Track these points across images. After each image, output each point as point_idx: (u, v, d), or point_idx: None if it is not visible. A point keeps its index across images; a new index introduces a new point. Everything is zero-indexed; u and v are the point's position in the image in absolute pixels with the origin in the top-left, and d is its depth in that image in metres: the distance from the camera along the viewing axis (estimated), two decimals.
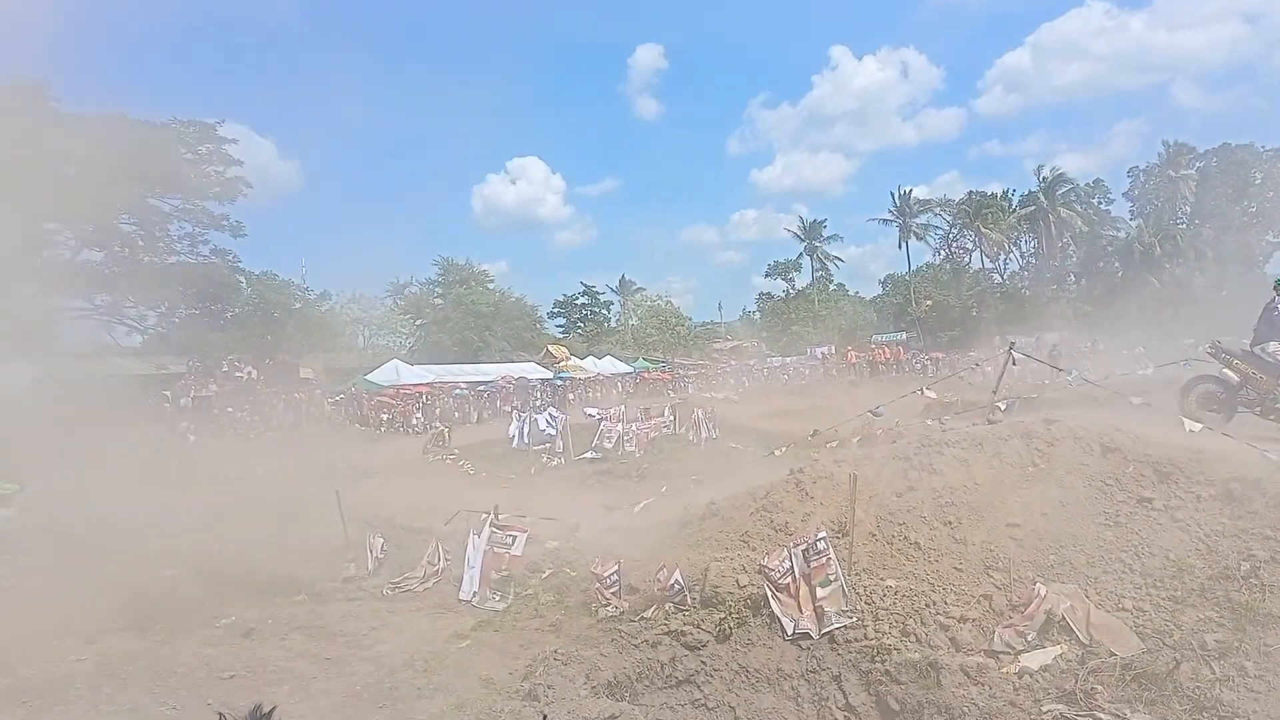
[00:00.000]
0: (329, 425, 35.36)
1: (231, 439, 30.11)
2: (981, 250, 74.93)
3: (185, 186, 36.04)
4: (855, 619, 9.12)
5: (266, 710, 2.52)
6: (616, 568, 10.98)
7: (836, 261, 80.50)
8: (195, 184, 36.21)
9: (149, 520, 16.54)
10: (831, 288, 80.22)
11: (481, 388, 42.86)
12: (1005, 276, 75.65)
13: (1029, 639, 8.10)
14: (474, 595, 12.00)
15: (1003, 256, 75.32)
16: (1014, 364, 15.24)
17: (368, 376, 42.46)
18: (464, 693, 8.66)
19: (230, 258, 38.39)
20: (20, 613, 11.34)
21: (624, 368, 56.32)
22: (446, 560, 13.05)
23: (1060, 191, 71.54)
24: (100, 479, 20.69)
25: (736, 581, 10.07)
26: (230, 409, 34.55)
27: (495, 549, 12.28)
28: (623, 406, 31.18)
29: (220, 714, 2.44)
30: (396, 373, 42.30)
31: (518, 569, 12.19)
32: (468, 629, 10.63)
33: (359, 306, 60.68)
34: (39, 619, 11.11)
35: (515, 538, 12.42)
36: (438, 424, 29.41)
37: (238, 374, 40.71)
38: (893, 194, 75.79)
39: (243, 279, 42.73)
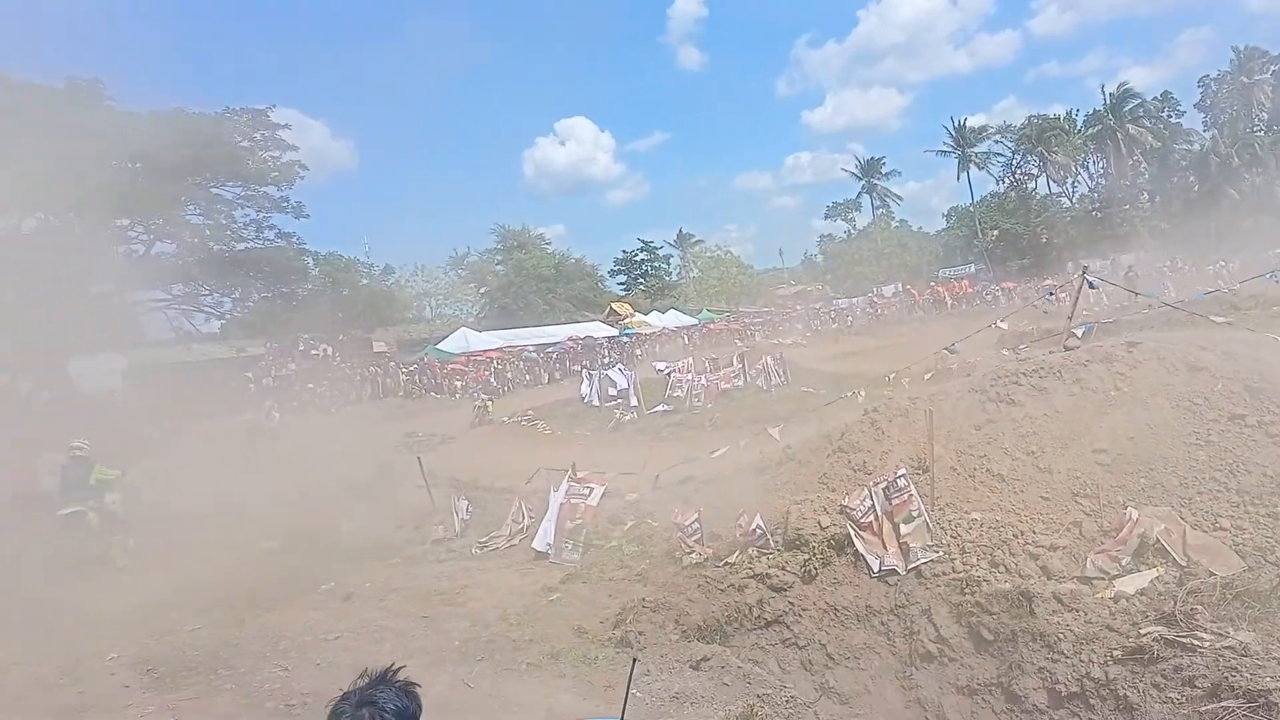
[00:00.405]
0: (405, 395, 36.17)
1: (313, 415, 31.00)
2: (1048, 175, 72.45)
3: (245, 174, 36.82)
4: (941, 553, 9.10)
5: (395, 669, 2.62)
6: (697, 516, 11.10)
7: (896, 199, 78.82)
8: (254, 171, 36.95)
9: (244, 497, 17.22)
10: (894, 225, 78.56)
11: (549, 349, 43.29)
12: (1074, 200, 73.07)
13: (1123, 563, 7.98)
14: (548, 547, 12.23)
15: (1070, 180, 72.73)
16: (1090, 288, 14.80)
17: (438, 345, 43.23)
18: (558, 642, 8.89)
19: (295, 240, 39.28)
20: (136, 588, 11.96)
21: (688, 320, 56.24)
22: (530, 518, 13.34)
23: (1127, 108, 68.47)
24: (196, 460, 21.60)
25: (818, 523, 10.10)
26: (310, 385, 35.56)
27: (572, 500, 12.48)
28: (690, 359, 31.19)
29: (358, 680, 2.54)
30: (466, 340, 42.97)
31: (591, 519, 12.38)
32: (556, 582, 10.87)
33: (423, 278, 61.63)
34: (154, 594, 11.71)
35: (592, 489, 12.62)
36: (481, 397, 29.61)
37: (314, 352, 41.83)
38: (947, 125, 73.68)
39: (309, 260, 43.72)
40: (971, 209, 74.28)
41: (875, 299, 57.55)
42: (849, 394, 16.48)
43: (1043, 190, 73.91)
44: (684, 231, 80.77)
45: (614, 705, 5.69)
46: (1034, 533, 8.91)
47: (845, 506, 9.92)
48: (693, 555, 10.73)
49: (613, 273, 76.60)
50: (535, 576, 11.43)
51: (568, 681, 8.07)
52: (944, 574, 8.91)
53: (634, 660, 4.57)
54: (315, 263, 45.26)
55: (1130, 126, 67.59)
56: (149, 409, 28.09)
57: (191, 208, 34.92)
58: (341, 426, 28.32)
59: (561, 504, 12.50)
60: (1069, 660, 7.27)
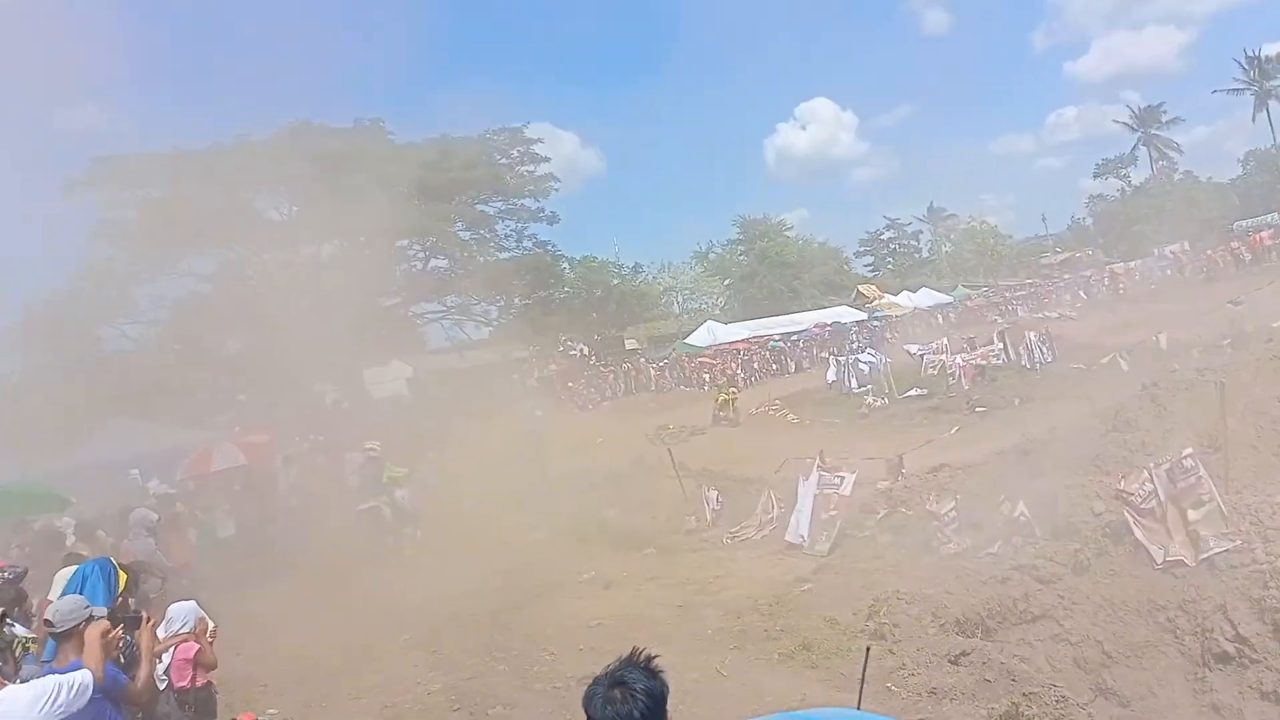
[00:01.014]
0: (657, 390, 37.32)
1: (573, 411, 32.78)
2: None
3: (505, 189, 39.62)
4: (1239, 541, 8.15)
5: (642, 652, 2.81)
6: (954, 504, 10.65)
7: (1178, 149, 70.56)
8: (513, 185, 39.68)
9: (515, 492, 18.54)
10: (1176, 177, 70.41)
11: (795, 337, 42.93)
12: None
13: None
14: (802, 539, 12.17)
15: None
16: None
17: (686, 340, 44.14)
18: (810, 633, 8.87)
19: (551, 247, 41.74)
20: (423, 577, 13.26)
21: (942, 298, 53.58)
22: (780, 508, 13.34)
23: None
24: (473, 457, 23.51)
25: (1091, 509, 9.39)
26: (570, 384, 37.62)
27: (824, 491, 12.34)
28: (945, 339, 29.75)
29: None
30: (712, 333, 43.55)
31: (846, 510, 12.17)
32: (808, 573, 10.83)
33: (669, 275, 63.10)
34: (437, 582, 12.93)
35: (843, 479, 12.40)
36: (728, 389, 28.55)
37: (572, 352, 44.22)
38: (1239, 59, 64.83)
39: (565, 264, 46.24)
40: (1274, 150, 65.03)
41: (1157, 260, 51.86)
42: (1106, 359, 14.98)
43: None
44: (934, 205, 76.88)
45: (866, 699, 5.61)
46: None
47: (1122, 491, 9.11)
48: (950, 545, 10.32)
49: (858, 254, 74.52)
50: (786, 567, 11.45)
51: (819, 673, 8.04)
52: (1242, 565, 7.98)
53: (868, 649, 4.51)
54: (570, 267, 47.79)
55: None
56: (432, 411, 30.95)
57: (460, 224, 38.07)
58: (598, 421, 29.70)
59: (815, 495, 12.40)
60: None
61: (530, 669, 8.96)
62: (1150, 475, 8.99)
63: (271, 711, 8.35)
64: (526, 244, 40.86)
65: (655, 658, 2.81)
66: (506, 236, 40.54)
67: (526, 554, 14.10)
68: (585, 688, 2.75)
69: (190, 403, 29.55)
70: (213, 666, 6.71)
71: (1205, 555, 8.26)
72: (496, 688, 8.57)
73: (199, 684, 6.46)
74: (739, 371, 37.01)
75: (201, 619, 6.53)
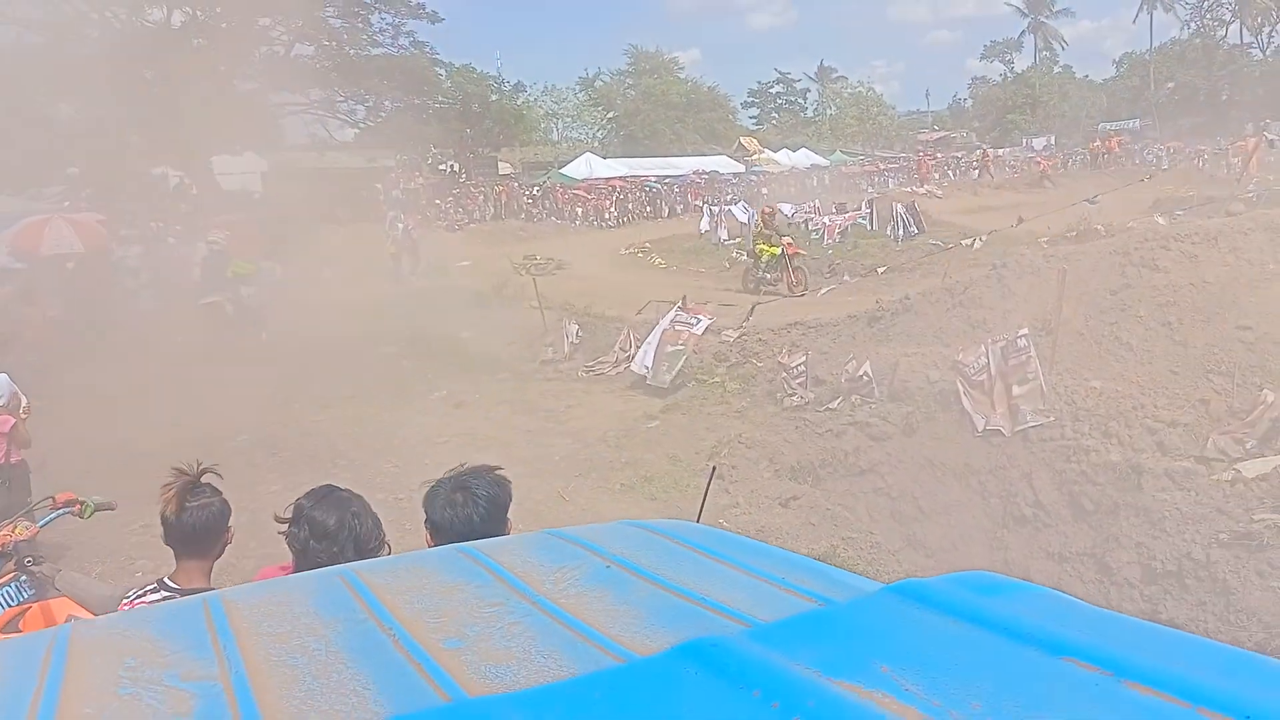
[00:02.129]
0: (526, 218, 36.52)
1: (438, 230, 31.73)
2: (1242, 21, 64.60)
3: None
4: (1053, 418, 8.81)
5: (492, 467, 2.79)
6: (804, 359, 11.01)
7: (1063, 42, 72.09)
8: None
9: (370, 304, 17.99)
10: (1056, 70, 72.24)
11: (672, 181, 42.63)
12: (1268, 52, 65.19)
13: (1248, 447, 7.58)
14: (646, 369, 12.38)
15: (1268, 29, 64.70)
16: (1270, 144, 13.39)
17: (562, 170, 43.10)
18: (653, 468, 9.17)
19: (429, 49, 39.04)
20: (266, 379, 12.80)
21: (820, 160, 54.10)
22: (637, 347, 13.49)
23: None
24: (329, 262, 22.58)
25: (927, 377, 9.90)
26: (437, 201, 36.24)
27: (676, 327, 12.49)
28: (817, 200, 30.22)
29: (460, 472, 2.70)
30: (589, 166, 42.67)
31: (694, 347, 12.38)
32: (657, 410, 11.10)
33: (552, 99, 60.81)
34: (282, 385, 12.54)
35: (699, 319, 12.58)
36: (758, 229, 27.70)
37: (442, 167, 42.36)
38: None
39: (442, 71, 43.49)
40: (1148, 56, 67.39)
41: (1025, 151, 53.79)
42: (976, 242, 15.66)
43: (1234, 41, 66.21)
44: (825, 65, 76.38)
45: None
46: (1155, 406, 8.52)
47: (958, 362, 9.64)
48: (794, 397, 10.73)
49: (746, 105, 73.77)
50: (637, 404, 11.69)
51: (658, 505, 8.36)
52: (1052, 439, 8.67)
53: (713, 468, 4.65)
54: (448, 75, 45.04)
55: None
56: (286, 209, 29.30)
57: (330, 9, 34.95)
58: (463, 243, 28.96)
59: (664, 329, 12.53)
60: (1170, 539, 7.08)
61: (372, 479, 8.89)
62: (986, 350, 9.51)
63: (96, 498, 8.00)
64: (403, 41, 38.00)
65: (500, 469, 2.78)
66: (381, 30, 37.51)
67: (377, 366, 13.82)
68: (423, 486, 2.76)
69: (13, 168, 26.78)
70: (26, 444, 6.37)
71: (1021, 427, 8.91)
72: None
73: (13, 460, 6.15)
74: (612, 209, 36.62)
75: (15, 393, 6.11)
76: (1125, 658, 0.78)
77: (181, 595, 2.71)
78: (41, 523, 4.34)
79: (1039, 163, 46.72)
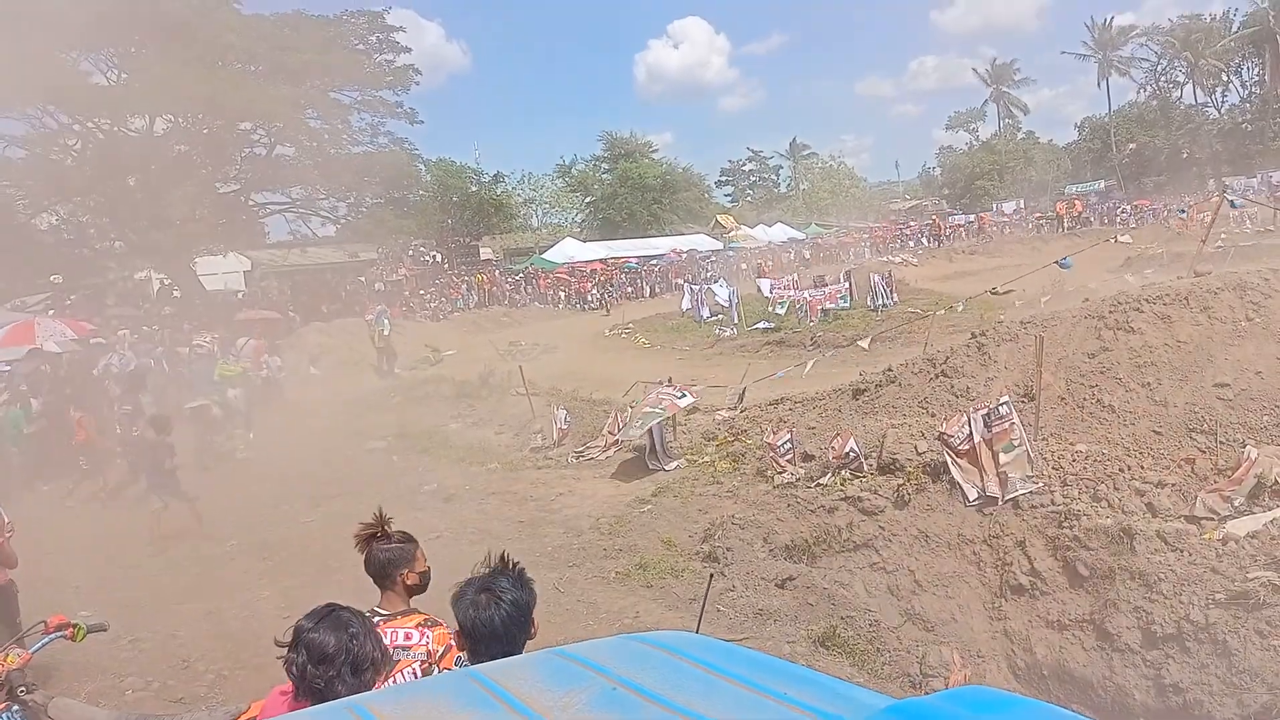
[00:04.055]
0: (510, 304, 36.87)
1: (421, 320, 31.96)
2: (1195, 82, 66.88)
3: (361, 78, 37.24)
4: (1041, 484, 8.85)
5: (514, 562, 2.87)
6: (789, 436, 11.06)
7: (1023, 109, 74.36)
8: (370, 75, 37.32)
9: (357, 399, 18.02)
10: (1020, 136, 74.33)
11: (652, 261, 43.23)
12: (1223, 112, 67.40)
13: (1236, 504, 7.63)
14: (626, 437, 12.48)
15: (1219, 89, 66.98)
16: (1232, 207, 13.78)
17: (543, 255, 43.68)
18: (647, 554, 9.11)
19: (408, 145, 39.80)
20: (255, 480, 12.75)
21: (796, 234, 55.10)
22: (624, 436, 13.52)
23: None
24: (313, 361, 22.63)
25: (915, 448, 9.95)
26: (420, 291, 36.56)
27: (660, 395, 12.53)
28: (795, 275, 30.69)
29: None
30: (570, 251, 43.29)
31: (674, 414, 12.42)
32: (649, 494, 11.07)
33: (530, 186, 61.94)
34: (272, 486, 12.47)
35: (685, 394, 12.65)
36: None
37: (424, 258, 42.81)
38: (1089, 24, 68.37)
39: (421, 165, 44.28)
40: (1107, 119, 69.50)
41: (995, 217, 54.98)
42: (947, 309, 15.91)
43: (1188, 101, 68.48)
44: (797, 141, 78.35)
45: (697, 617, 5.83)
46: (1142, 468, 8.58)
47: (943, 433, 9.71)
48: (784, 475, 10.74)
49: (719, 183, 75.43)
50: (629, 488, 11.66)
51: (654, 592, 8.29)
52: (1042, 506, 8.69)
53: (710, 576, 4.67)
54: (427, 169, 45.89)
55: None
56: (270, 309, 29.44)
57: (310, 111, 35.68)
58: (447, 332, 29.15)
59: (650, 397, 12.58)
60: (1167, 601, 7.07)
61: (366, 578, 8.80)
62: (969, 419, 9.59)
63: (85, 613, 7.89)
64: (382, 140, 38.72)
65: (523, 568, 2.82)
66: (361, 130, 38.22)
67: (365, 463, 13.78)
68: (453, 589, 2.82)
69: None
70: (12, 565, 6.28)
71: (1011, 495, 8.93)
72: (330, 596, 8.38)
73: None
74: (594, 291, 37.04)
75: None
76: None
77: (388, 617, 3.48)
78: (34, 649, 4.28)
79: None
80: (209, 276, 34.76)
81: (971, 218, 54.57)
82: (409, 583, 3.65)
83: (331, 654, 2.51)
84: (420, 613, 3.66)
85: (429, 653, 3.50)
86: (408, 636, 3.55)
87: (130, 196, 30.41)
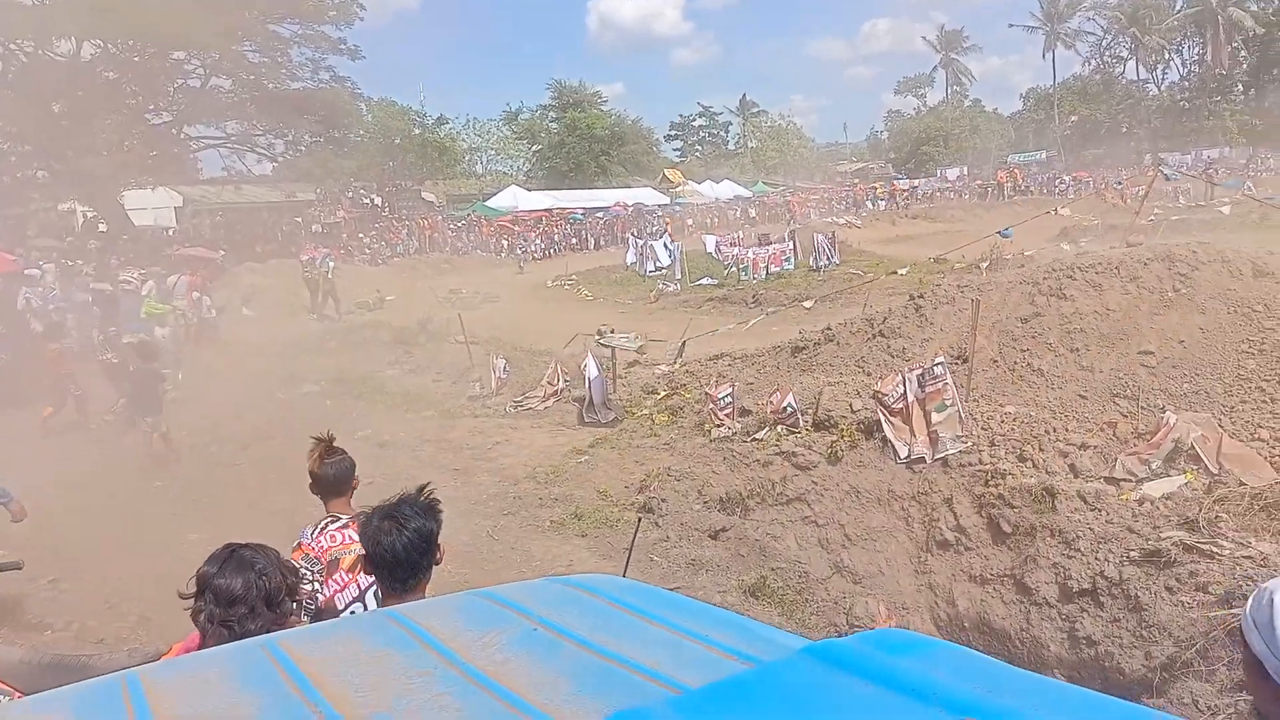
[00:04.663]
0: (451, 250, 36.27)
1: (359, 264, 31.29)
2: (1138, 59, 68.16)
3: (303, 11, 35.90)
4: (970, 444, 9.05)
5: (429, 489, 2.84)
6: (730, 390, 11.13)
7: (971, 77, 75.10)
8: (312, 8, 36.02)
9: (290, 341, 17.62)
10: (966, 104, 75.11)
11: (598, 213, 42.88)
12: (1163, 88, 68.89)
13: (1153, 467, 7.89)
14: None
15: (1161, 67, 68.37)
16: (1166, 179, 14.12)
17: (487, 203, 43.03)
18: (582, 503, 9.13)
19: (350, 84, 38.60)
20: (184, 421, 12.42)
21: (743, 191, 55.11)
22: (565, 381, 13.48)
23: None
24: (248, 301, 22.06)
25: (850, 406, 10.07)
26: (359, 235, 35.75)
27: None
28: (740, 233, 30.75)
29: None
30: (515, 199, 42.72)
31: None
32: (585, 445, 11.07)
33: (475, 132, 60.77)
34: (201, 428, 12.18)
35: (636, 339, 12.64)
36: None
37: (364, 201, 41.82)
38: None
39: (363, 105, 43.01)
40: (1052, 91, 70.54)
41: (937, 182, 55.68)
42: (891, 274, 16.13)
43: (1130, 76, 69.82)
44: (747, 99, 77.98)
45: (631, 568, 5.86)
46: (1066, 430, 8.82)
47: (878, 392, 9.85)
48: (722, 429, 10.81)
49: (669, 137, 74.84)
50: (566, 438, 11.65)
51: (588, 541, 8.33)
52: (970, 465, 8.88)
53: (639, 520, 4.70)
54: (368, 109, 44.60)
55: (1233, 9, 62.45)
56: (202, 246, 28.53)
57: (248, 44, 34.34)
58: (387, 277, 28.61)
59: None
60: (1084, 558, 7.30)
61: (295, 522, 8.66)
62: (903, 379, 9.74)
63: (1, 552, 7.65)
64: (323, 76, 37.49)
65: (433, 492, 2.81)
66: (301, 65, 36.93)
67: (299, 407, 13.51)
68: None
69: None
70: None
71: (941, 454, 9.11)
72: (259, 537, 8.24)
73: None
74: (538, 241, 36.65)
75: None
76: (1024, 716, 0.83)
77: (345, 522, 3.92)
78: None
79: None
80: (138, 211, 33.51)
81: (919, 183, 55.17)
82: (354, 490, 4.22)
83: (240, 594, 2.46)
84: None
85: None
86: None
87: (55, 123, 29.05)
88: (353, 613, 3.85)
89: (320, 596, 3.75)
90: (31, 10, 27.33)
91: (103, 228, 30.05)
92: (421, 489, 2.84)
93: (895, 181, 55.46)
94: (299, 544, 3.89)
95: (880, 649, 1.03)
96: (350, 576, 3.89)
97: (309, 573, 3.77)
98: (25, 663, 3.32)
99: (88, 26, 27.45)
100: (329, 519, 4.09)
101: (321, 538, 3.96)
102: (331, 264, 22.49)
